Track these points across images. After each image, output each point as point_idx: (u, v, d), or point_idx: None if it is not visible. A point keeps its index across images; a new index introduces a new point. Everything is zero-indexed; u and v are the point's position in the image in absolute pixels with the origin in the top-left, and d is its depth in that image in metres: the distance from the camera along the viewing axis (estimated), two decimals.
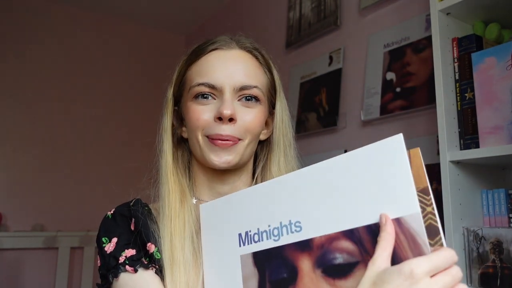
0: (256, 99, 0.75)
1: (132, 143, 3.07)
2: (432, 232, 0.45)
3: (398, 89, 1.69)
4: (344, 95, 1.95)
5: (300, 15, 2.28)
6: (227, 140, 0.72)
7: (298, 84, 2.22)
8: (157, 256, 0.69)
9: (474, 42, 1.18)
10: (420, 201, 0.47)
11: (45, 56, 2.94)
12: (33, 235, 2.69)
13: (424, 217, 0.46)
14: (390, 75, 1.73)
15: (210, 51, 0.76)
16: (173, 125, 0.80)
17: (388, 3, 1.80)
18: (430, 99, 1.52)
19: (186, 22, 3.36)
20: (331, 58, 2.05)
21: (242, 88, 0.74)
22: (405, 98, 1.65)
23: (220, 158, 0.72)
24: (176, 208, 0.72)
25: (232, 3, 2.98)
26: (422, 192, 0.47)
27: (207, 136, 0.73)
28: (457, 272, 0.45)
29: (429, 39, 1.53)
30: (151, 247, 0.70)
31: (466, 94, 1.17)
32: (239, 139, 0.73)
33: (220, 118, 0.71)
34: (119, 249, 0.70)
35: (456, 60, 1.21)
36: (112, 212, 0.76)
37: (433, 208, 0.46)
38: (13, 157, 2.75)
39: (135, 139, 3.09)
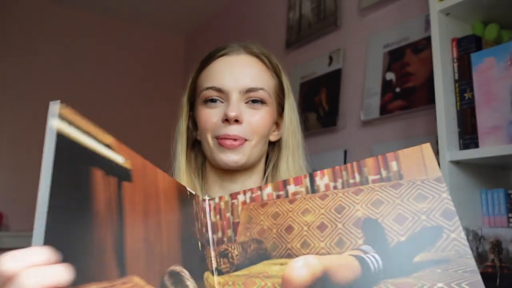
0: (262, 101, 0.79)
1: (133, 143, 3.06)
2: (449, 215, 0.49)
3: (397, 89, 1.69)
4: (344, 95, 1.95)
5: (300, 15, 2.28)
6: (234, 139, 0.75)
7: (298, 84, 2.22)
8: None
9: (474, 43, 1.18)
10: (436, 189, 0.50)
11: (45, 56, 2.95)
12: None
13: (440, 202, 0.49)
14: (390, 75, 1.73)
15: (218, 57, 0.81)
16: (189, 128, 0.86)
17: (388, 3, 1.80)
18: (430, 99, 1.52)
19: (186, 22, 3.37)
20: (331, 58, 2.05)
21: (249, 91, 0.77)
22: (404, 98, 1.66)
23: (228, 158, 0.76)
24: None
25: (232, 3, 2.98)
26: (436, 180, 0.51)
27: (216, 138, 0.77)
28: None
29: (428, 39, 1.53)
30: None
31: (465, 94, 1.18)
32: (246, 140, 0.76)
33: (227, 120, 0.75)
34: None
35: (455, 60, 1.21)
36: None
37: (448, 194, 0.49)
38: (13, 157, 2.75)
39: (135, 138, 3.09)
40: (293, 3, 2.34)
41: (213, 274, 0.58)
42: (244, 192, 0.62)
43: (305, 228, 0.58)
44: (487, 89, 1.12)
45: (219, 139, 0.76)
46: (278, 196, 0.61)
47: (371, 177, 0.56)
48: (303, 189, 0.60)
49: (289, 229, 0.59)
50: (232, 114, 0.74)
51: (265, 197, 0.62)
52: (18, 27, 2.88)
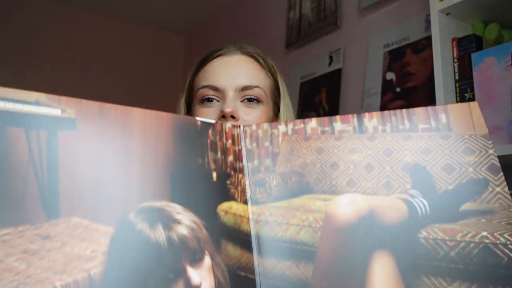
0: (258, 100, 0.80)
1: None
2: (494, 170, 0.52)
3: (398, 89, 1.69)
4: (344, 95, 1.95)
5: (300, 15, 2.28)
6: None
7: (298, 84, 2.22)
8: None
9: (474, 42, 1.18)
10: (483, 145, 0.53)
11: (45, 56, 2.94)
12: None
13: (487, 157, 0.52)
14: (390, 75, 1.73)
15: (215, 58, 0.83)
16: None
17: (388, 3, 1.80)
18: (430, 99, 1.52)
19: (186, 22, 3.37)
20: (331, 58, 2.05)
21: (244, 89, 0.78)
22: (405, 98, 1.65)
23: None
24: None
25: (232, 3, 2.98)
26: (484, 137, 0.54)
27: None
28: None
29: (429, 39, 1.54)
30: None
31: (466, 94, 1.17)
32: None
33: (223, 117, 0.76)
34: None
35: (456, 60, 1.21)
36: None
37: (494, 151, 0.53)
38: None
39: None
40: (293, 3, 2.34)
41: (245, 203, 0.55)
42: (286, 123, 0.60)
43: (352, 166, 0.57)
44: (488, 89, 1.11)
45: None
46: (323, 132, 0.60)
47: (420, 126, 0.57)
48: (350, 128, 0.59)
49: (335, 166, 0.58)
50: (228, 109, 0.75)
51: (308, 131, 0.60)
52: (18, 26, 2.87)
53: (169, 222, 0.48)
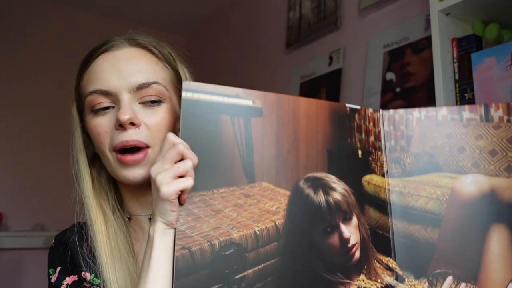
0: (160, 100, 0.69)
1: None
2: None
3: (398, 89, 1.69)
4: (344, 95, 1.95)
5: (300, 15, 2.28)
6: (135, 149, 0.67)
7: (298, 84, 2.22)
8: (96, 282, 0.67)
9: (474, 42, 1.18)
10: None
11: (46, 56, 2.94)
12: (33, 235, 2.69)
13: None
14: (390, 75, 1.73)
15: (99, 55, 0.71)
16: (85, 141, 0.76)
17: (388, 3, 1.80)
18: (430, 99, 1.52)
19: (186, 22, 3.37)
20: (331, 58, 2.05)
21: (140, 87, 0.67)
22: (405, 98, 1.65)
23: (133, 174, 0.67)
24: (103, 234, 0.69)
25: (232, 3, 2.98)
26: None
27: (114, 150, 0.67)
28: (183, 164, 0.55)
29: (428, 39, 1.54)
30: (86, 276, 0.68)
31: (465, 94, 1.18)
32: (147, 146, 0.67)
33: (120, 125, 0.65)
34: (61, 277, 0.69)
35: (455, 60, 1.21)
36: (54, 241, 0.76)
37: None
38: (13, 157, 2.75)
39: None
40: (293, 3, 2.34)
41: (383, 176, 0.67)
42: (419, 110, 0.69)
43: (477, 151, 0.66)
44: (488, 89, 1.11)
45: (117, 151, 0.67)
46: (452, 119, 0.68)
47: None
48: (477, 117, 0.67)
49: (461, 149, 0.66)
50: (124, 117, 0.64)
51: (439, 118, 0.68)
52: (18, 27, 2.87)
53: (327, 189, 0.62)
